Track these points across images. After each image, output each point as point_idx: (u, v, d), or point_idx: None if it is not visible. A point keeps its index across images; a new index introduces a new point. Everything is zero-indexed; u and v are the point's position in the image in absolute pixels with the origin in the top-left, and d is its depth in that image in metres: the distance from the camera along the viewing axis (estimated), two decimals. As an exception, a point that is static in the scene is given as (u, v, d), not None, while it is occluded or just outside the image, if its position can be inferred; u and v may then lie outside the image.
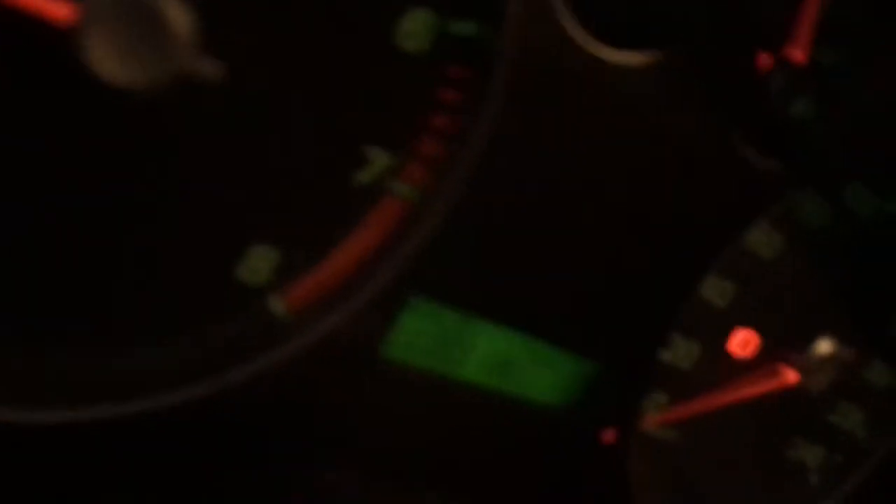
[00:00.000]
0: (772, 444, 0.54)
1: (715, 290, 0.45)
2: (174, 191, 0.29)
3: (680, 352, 0.46)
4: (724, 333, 0.47)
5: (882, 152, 0.46)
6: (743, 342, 0.48)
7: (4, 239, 0.27)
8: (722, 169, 0.39)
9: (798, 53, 0.38)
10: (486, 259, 0.36)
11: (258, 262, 0.32)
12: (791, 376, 0.49)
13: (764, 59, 0.38)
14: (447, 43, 0.31)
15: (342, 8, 0.29)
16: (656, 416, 0.47)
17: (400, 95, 0.32)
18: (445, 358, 0.38)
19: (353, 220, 0.33)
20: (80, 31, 0.24)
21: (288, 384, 0.33)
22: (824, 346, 0.50)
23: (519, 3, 0.30)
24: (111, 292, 0.29)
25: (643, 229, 0.40)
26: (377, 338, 0.35)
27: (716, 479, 0.52)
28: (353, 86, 0.31)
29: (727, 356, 0.48)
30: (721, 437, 0.51)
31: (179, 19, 0.25)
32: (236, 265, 0.31)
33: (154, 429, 0.30)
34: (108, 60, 0.24)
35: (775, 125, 0.40)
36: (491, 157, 0.33)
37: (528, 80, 0.33)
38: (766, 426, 0.53)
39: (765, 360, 0.49)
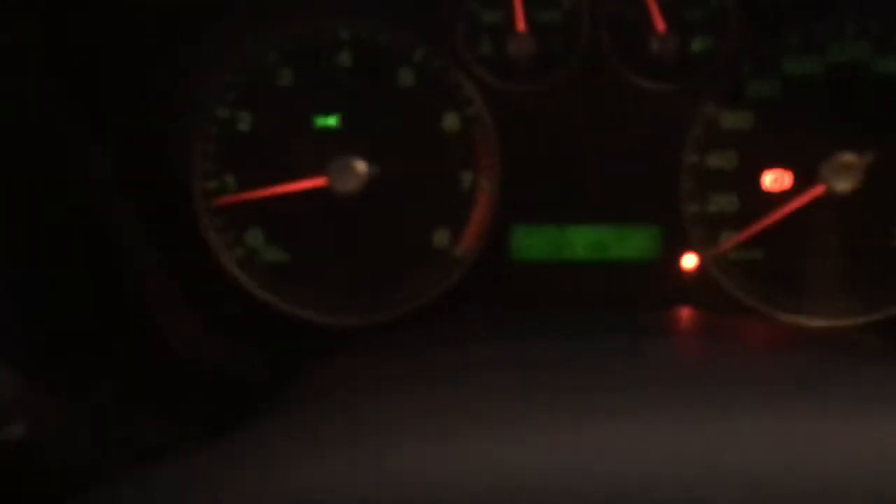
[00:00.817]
0: (869, 239, 0.73)
1: (720, 159, 0.73)
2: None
3: (722, 202, 0.74)
4: (755, 179, 0.73)
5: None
6: (777, 180, 0.73)
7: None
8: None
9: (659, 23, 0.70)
10: (547, 194, 0.74)
11: (442, 236, 0.76)
12: (818, 189, 0.71)
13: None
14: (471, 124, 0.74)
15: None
16: (728, 243, 0.74)
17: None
18: (558, 250, 0.75)
19: (473, 201, 0.75)
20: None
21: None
22: (845, 158, 0.71)
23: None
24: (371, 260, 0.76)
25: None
26: (502, 249, 0.75)
27: (818, 283, 0.74)
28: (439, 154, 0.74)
29: (766, 193, 0.73)
30: (808, 248, 0.74)
31: None
32: (432, 239, 0.76)
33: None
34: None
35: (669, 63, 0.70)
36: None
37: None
38: (850, 229, 0.73)
39: (801, 185, 0.72)
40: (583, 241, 0.75)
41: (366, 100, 0.73)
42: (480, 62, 0.72)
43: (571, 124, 0.73)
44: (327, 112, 0.74)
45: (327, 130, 0.74)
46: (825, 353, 0.48)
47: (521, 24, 0.71)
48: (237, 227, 0.75)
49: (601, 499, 0.27)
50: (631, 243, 0.75)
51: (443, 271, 0.75)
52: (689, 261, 0.74)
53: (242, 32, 0.73)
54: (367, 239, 0.75)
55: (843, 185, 0.71)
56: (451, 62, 0.72)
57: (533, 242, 0.75)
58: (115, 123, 0.70)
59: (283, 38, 0.73)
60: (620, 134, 0.72)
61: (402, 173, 0.74)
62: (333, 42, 0.73)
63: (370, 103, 0.73)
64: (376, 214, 0.75)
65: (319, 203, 0.74)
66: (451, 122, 0.74)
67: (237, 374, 0.71)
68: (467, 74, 0.72)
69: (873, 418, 0.30)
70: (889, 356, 0.49)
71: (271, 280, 0.76)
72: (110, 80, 0.70)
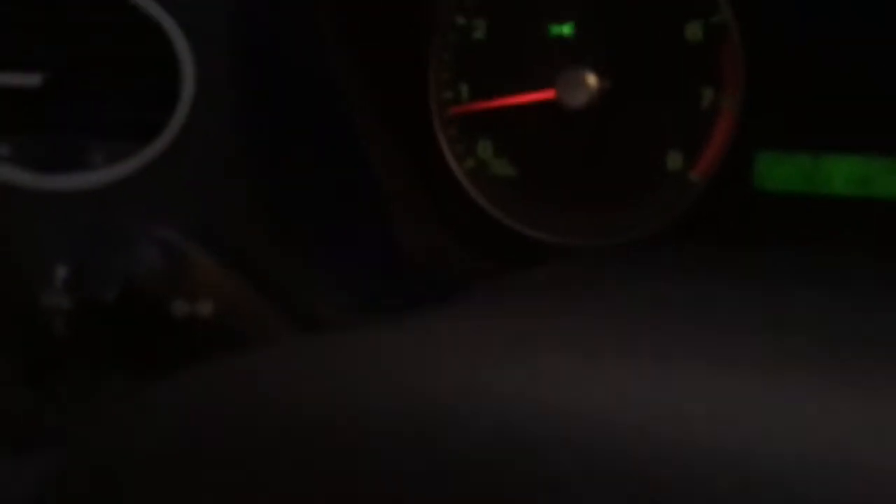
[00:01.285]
0: None
1: None
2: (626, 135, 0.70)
3: None
4: None
5: None
6: None
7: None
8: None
9: None
10: (800, 116, 0.64)
11: (676, 158, 0.69)
12: None
13: None
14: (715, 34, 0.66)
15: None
16: None
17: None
18: (811, 183, 0.65)
19: (713, 121, 0.67)
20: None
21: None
22: None
23: None
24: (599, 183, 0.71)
25: None
26: (744, 176, 0.66)
27: None
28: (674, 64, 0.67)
29: None
30: None
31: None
32: (664, 162, 0.70)
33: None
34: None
35: None
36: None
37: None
38: None
39: None
40: (843, 174, 0.65)
41: (602, 6, 0.69)
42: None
43: (832, 32, 0.62)
44: (562, 20, 0.70)
45: (560, 40, 0.70)
46: None
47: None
48: (469, 138, 0.75)
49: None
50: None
51: (676, 197, 0.69)
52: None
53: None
54: (597, 157, 0.71)
55: None
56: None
57: (781, 172, 0.66)
58: (359, 30, 0.72)
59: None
60: (893, 43, 0.60)
61: (636, 88, 0.69)
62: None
63: (606, 10, 0.69)
64: (607, 131, 0.70)
65: (550, 117, 0.72)
66: (693, 31, 0.66)
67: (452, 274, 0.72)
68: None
69: None
70: None
71: (499, 194, 0.75)
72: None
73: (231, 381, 0.25)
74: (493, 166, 0.75)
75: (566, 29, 0.70)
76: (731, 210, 0.68)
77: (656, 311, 0.31)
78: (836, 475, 0.17)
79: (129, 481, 0.22)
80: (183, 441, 0.22)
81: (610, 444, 0.19)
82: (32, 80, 0.61)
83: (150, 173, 0.59)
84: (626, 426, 0.19)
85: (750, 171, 0.67)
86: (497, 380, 0.22)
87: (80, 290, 0.47)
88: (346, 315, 0.57)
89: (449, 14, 0.73)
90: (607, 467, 0.18)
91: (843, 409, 0.20)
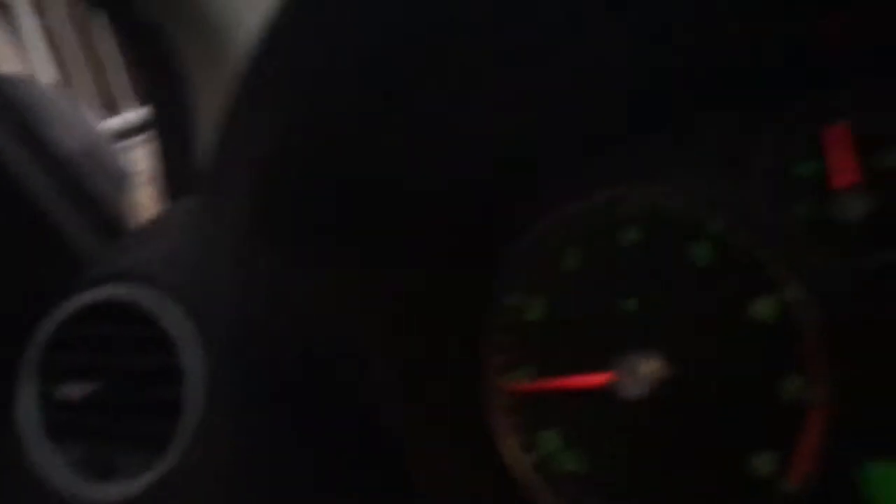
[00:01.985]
0: None
1: None
2: (705, 436, 0.57)
3: None
4: None
5: None
6: None
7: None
8: None
9: None
10: None
11: (764, 462, 0.55)
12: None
13: None
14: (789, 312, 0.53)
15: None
16: None
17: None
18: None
19: (800, 418, 0.53)
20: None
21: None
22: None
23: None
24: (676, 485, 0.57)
25: None
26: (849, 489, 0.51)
27: None
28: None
29: None
30: None
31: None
32: (751, 465, 0.55)
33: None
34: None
35: None
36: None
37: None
38: None
39: None
40: None
41: (656, 283, 0.59)
42: (796, 231, 0.53)
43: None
44: (615, 297, 0.61)
45: (616, 319, 0.61)
46: None
47: (849, 177, 0.50)
48: (531, 427, 0.66)
49: None
50: None
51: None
52: None
53: (531, 216, 0.66)
54: (667, 456, 0.59)
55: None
56: (758, 232, 0.54)
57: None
58: (407, 314, 0.67)
59: (566, 216, 0.64)
60: None
61: (703, 377, 0.57)
62: (615, 216, 0.61)
63: (661, 287, 0.59)
64: (675, 427, 0.58)
65: (615, 406, 0.61)
66: (762, 309, 0.55)
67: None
68: (779, 248, 0.53)
69: None
70: None
71: (566, 493, 0.64)
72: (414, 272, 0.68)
73: None
74: (560, 460, 0.64)
75: (622, 308, 0.61)
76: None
77: None
78: None
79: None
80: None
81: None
82: (74, 391, 0.62)
83: (164, 488, 0.56)
84: None
85: (856, 482, 0.52)
86: None
87: None
88: None
89: (501, 294, 0.67)
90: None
91: None
